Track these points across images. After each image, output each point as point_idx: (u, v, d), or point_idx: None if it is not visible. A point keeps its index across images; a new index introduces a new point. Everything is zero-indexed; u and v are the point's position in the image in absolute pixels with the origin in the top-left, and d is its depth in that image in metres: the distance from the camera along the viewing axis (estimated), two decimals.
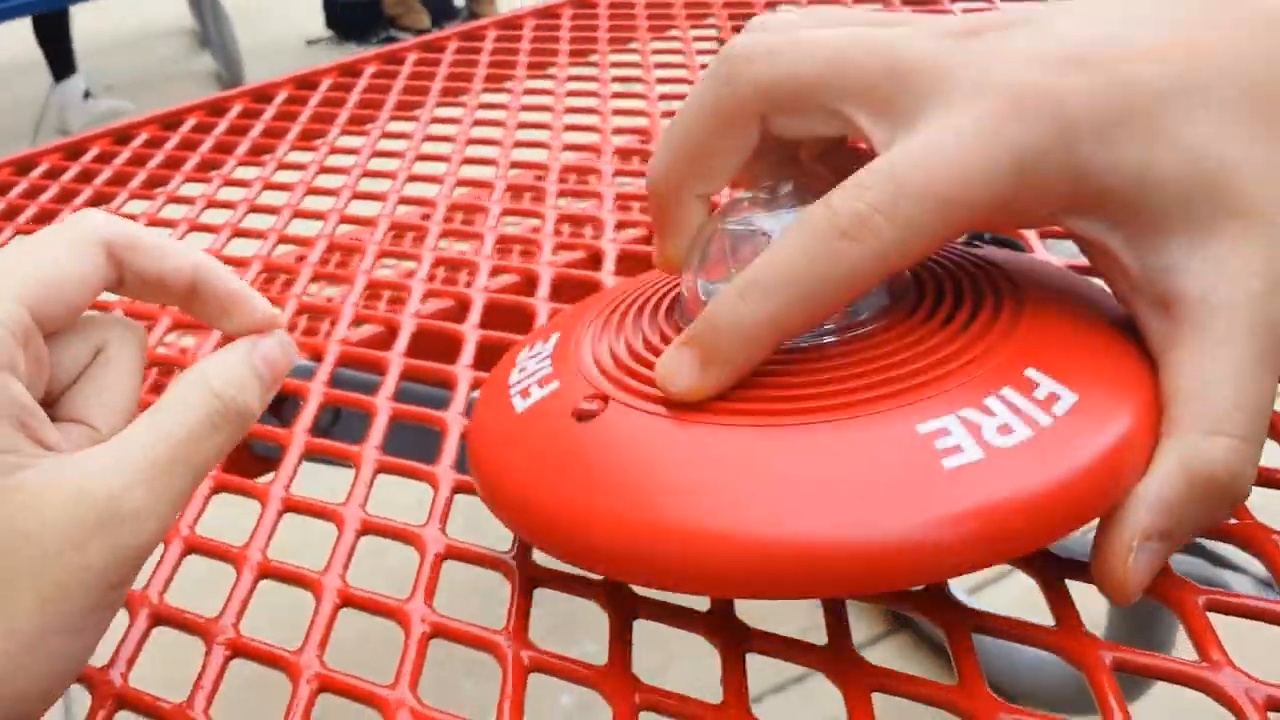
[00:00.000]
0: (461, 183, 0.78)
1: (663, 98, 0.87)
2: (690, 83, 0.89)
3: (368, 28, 4.38)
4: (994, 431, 0.34)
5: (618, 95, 0.91)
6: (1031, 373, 0.36)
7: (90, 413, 0.38)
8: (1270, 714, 0.34)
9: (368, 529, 0.47)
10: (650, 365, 0.40)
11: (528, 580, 0.43)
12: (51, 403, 0.38)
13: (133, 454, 0.34)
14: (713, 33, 1.01)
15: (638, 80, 0.92)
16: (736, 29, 0.92)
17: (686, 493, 0.35)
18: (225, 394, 0.37)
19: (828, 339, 0.39)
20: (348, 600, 0.43)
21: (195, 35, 4.67)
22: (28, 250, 0.37)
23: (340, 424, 0.59)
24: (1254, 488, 0.36)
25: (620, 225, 0.69)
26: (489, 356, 0.51)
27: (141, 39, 4.82)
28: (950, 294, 0.41)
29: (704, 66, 0.84)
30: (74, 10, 3.94)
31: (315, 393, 0.56)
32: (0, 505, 0.32)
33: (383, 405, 0.54)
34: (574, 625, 0.53)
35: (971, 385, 0.36)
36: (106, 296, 0.53)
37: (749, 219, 0.40)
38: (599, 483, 0.37)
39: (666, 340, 0.41)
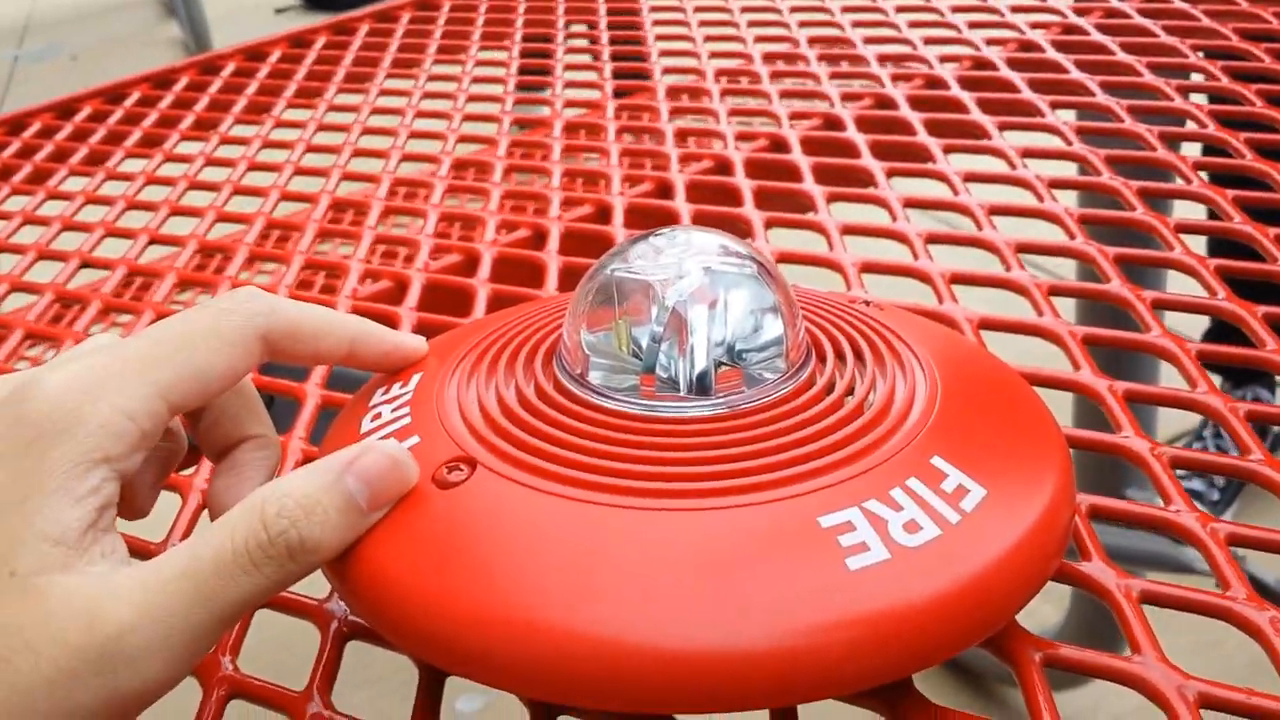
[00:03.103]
0: (407, 158, 0.77)
1: (618, 73, 0.85)
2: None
3: None
4: (900, 529, 0.32)
5: (570, 67, 0.89)
6: (939, 462, 0.34)
7: (247, 425, 0.38)
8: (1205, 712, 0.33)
9: None
10: (525, 425, 0.36)
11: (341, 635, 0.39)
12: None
13: (149, 586, 0.30)
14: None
15: (590, 51, 0.90)
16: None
17: (554, 586, 0.31)
18: (275, 526, 0.32)
19: (724, 409, 0.36)
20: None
21: (163, 3, 4.61)
22: (182, 338, 0.34)
23: (272, 411, 0.57)
24: None
25: (566, 203, 0.68)
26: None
27: (108, 9, 4.75)
28: (853, 364, 0.39)
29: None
30: None
31: None
32: (20, 605, 0.29)
33: (311, 392, 0.52)
34: None
35: (876, 473, 0.34)
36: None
37: (636, 267, 0.38)
38: (456, 564, 0.33)
39: (545, 397, 0.37)
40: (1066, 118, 0.69)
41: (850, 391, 0.38)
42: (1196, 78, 0.73)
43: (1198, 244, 0.54)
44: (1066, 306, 0.54)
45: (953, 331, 0.44)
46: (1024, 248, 0.55)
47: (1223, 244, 0.56)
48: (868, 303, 0.44)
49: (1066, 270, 0.67)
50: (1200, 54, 0.74)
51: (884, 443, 0.35)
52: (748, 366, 0.37)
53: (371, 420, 0.39)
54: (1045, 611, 1.29)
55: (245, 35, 1.06)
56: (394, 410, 0.39)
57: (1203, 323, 1.51)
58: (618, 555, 0.32)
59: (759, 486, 0.33)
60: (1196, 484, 1.52)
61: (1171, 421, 1.55)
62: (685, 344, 0.37)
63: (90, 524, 0.31)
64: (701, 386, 0.36)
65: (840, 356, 0.39)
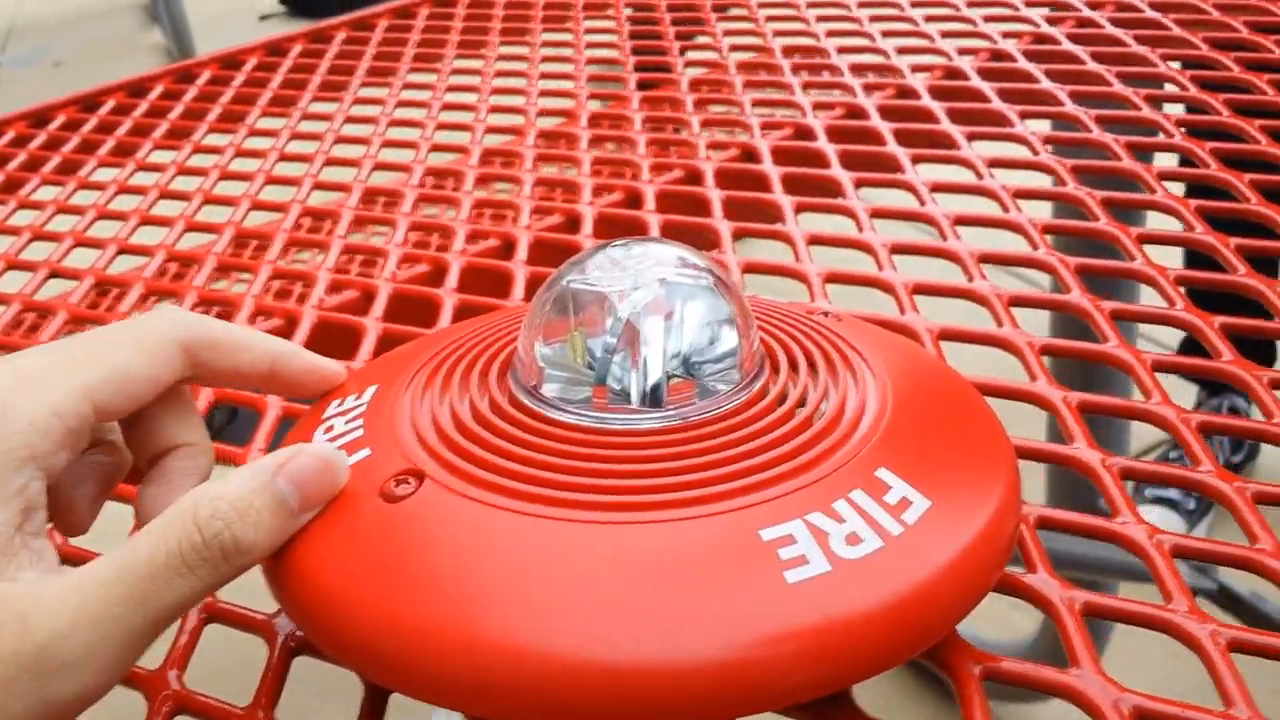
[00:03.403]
0: (379, 166, 0.77)
1: (591, 78, 0.86)
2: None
3: (319, 2, 4.31)
4: (841, 541, 0.32)
5: (546, 75, 0.89)
6: (884, 474, 0.34)
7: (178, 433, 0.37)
8: None
9: None
10: (476, 438, 0.36)
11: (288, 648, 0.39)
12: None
13: (83, 591, 0.30)
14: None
15: (568, 60, 0.91)
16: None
17: (494, 601, 0.31)
18: (210, 528, 0.32)
19: (676, 421, 0.36)
20: (213, 614, 0.42)
21: (146, 10, 4.60)
22: (103, 344, 0.35)
23: (237, 423, 0.57)
24: None
25: (537, 211, 0.68)
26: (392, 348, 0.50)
27: (92, 15, 4.74)
28: (806, 375, 0.39)
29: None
30: None
31: (205, 391, 0.54)
32: None
33: (272, 403, 0.52)
34: None
35: (821, 484, 0.34)
36: None
37: (592, 278, 0.38)
38: (399, 578, 0.33)
39: (498, 409, 0.37)
40: (1038, 127, 0.69)
41: (802, 403, 0.38)
42: (1168, 86, 0.73)
43: (1164, 253, 0.54)
44: (1038, 317, 0.54)
45: (909, 343, 0.45)
46: (987, 258, 0.56)
47: (1192, 252, 0.57)
48: (826, 314, 0.44)
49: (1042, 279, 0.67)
50: (1173, 64, 0.75)
51: (831, 455, 0.35)
52: (701, 378, 0.37)
53: (325, 432, 0.39)
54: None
55: (229, 41, 1.06)
56: (347, 422, 0.39)
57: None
58: (560, 569, 0.32)
59: (705, 499, 0.33)
60: (1173, 492, 1.52)
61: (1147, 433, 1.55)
62: (638, 356, 0.37)
63: (16, 527, 0.31)
64: (654, 398, 0.37)
65: (794, 368, 0.39)
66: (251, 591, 0.39)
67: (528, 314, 0.39)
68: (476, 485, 0.35)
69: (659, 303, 0.37)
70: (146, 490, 0.37)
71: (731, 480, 0.34)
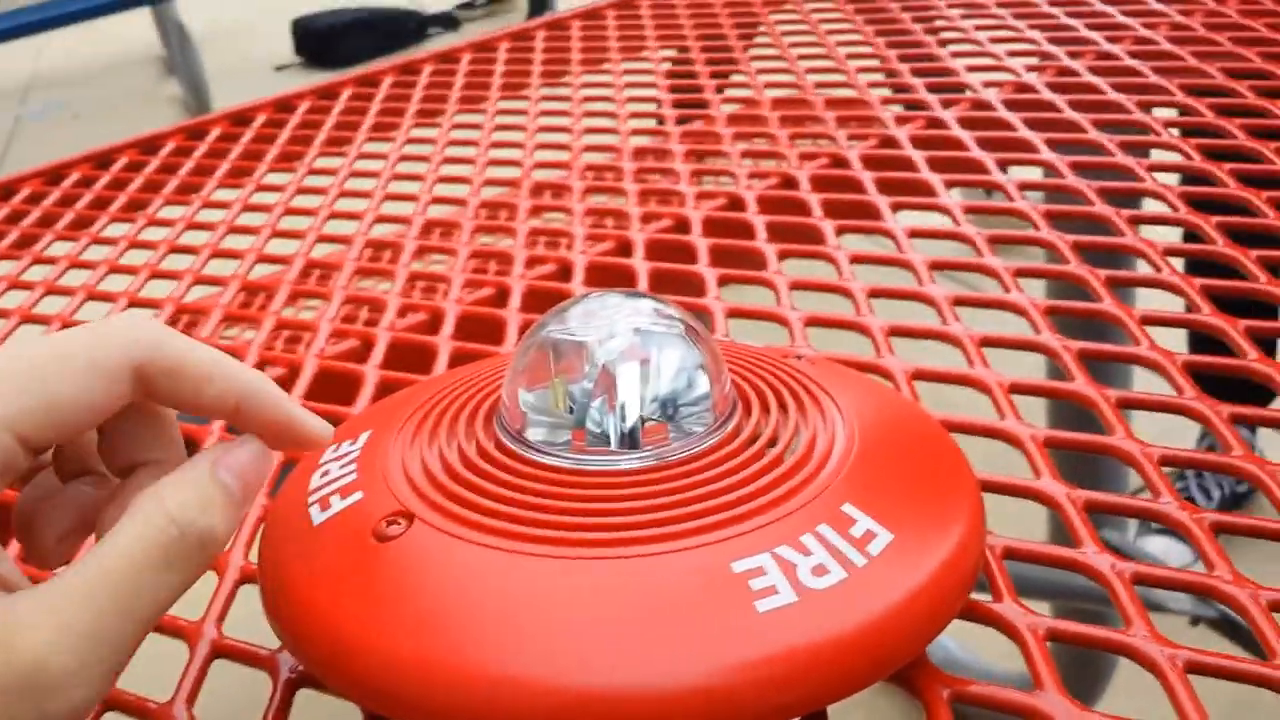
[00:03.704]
0: (380, 220, 0.79)
1: (588, 130, 0.88)
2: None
3: (336, 53, 4.39)
4: (808, 573, 0.34)
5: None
6: (849, 509, 0.36)
7: (149, 449, 0.35)
8: None
9: None
10: (463, 481, 0.38)
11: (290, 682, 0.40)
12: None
13: (68, 604, 0.30)
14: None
15: (566, 114, 0.93)
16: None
17: (482, 634, 0.33)
18: (183, 518, 0.32)
19: (652, 461, 0.38)
20: (219, 650, 0.44)
21: (163, 62, 4.68)
22: (39, 367, 0.32)
23: None
24: None
25: (530, 261, 0.70)
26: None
27: (110, 67, 4.82)
28: (778, 416, 0.41)
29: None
30: (46, 38, 3.93)
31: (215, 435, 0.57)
32: None
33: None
34: None
35: (790, 520, 0.36)
36: None
37: (571, 328, 0.40)
38: (394, 614, 0.35)
39: (484, 454, 0.39)
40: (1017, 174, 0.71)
41: (772, 442, 0.40)
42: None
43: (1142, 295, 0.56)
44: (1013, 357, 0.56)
45: (878, 384, 0.47)
46: (960, 301, 0.58)
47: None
48: (799, 357, 0.46)
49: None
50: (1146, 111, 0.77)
51: (799, 492, 0.37)
52: (676, 421, 0.39)
53: (320, 476, 0.41)
54: None
55: (245, 93, 1.09)
56: (342, 467, 0.41)
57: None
58: (544, 603, 0.34)
59: (679, 535, 0.35)
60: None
61: None
62: (615, 400, 0.39)
63: None
64: (631, 440, 0.39)
65: (766, 409, 0.41)
66: (251, 629, 0.42)
67: (511, 362, 0.41)
68: (463, 525, 0.37)
69: (634, 350, 0.39)
70: (107, 512, 0.35)
71: (705, 516, 0.36)
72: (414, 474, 0.39)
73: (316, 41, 4.53)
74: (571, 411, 0.39)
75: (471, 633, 0.34)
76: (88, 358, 0.33)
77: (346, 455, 0.42)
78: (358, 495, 0.39)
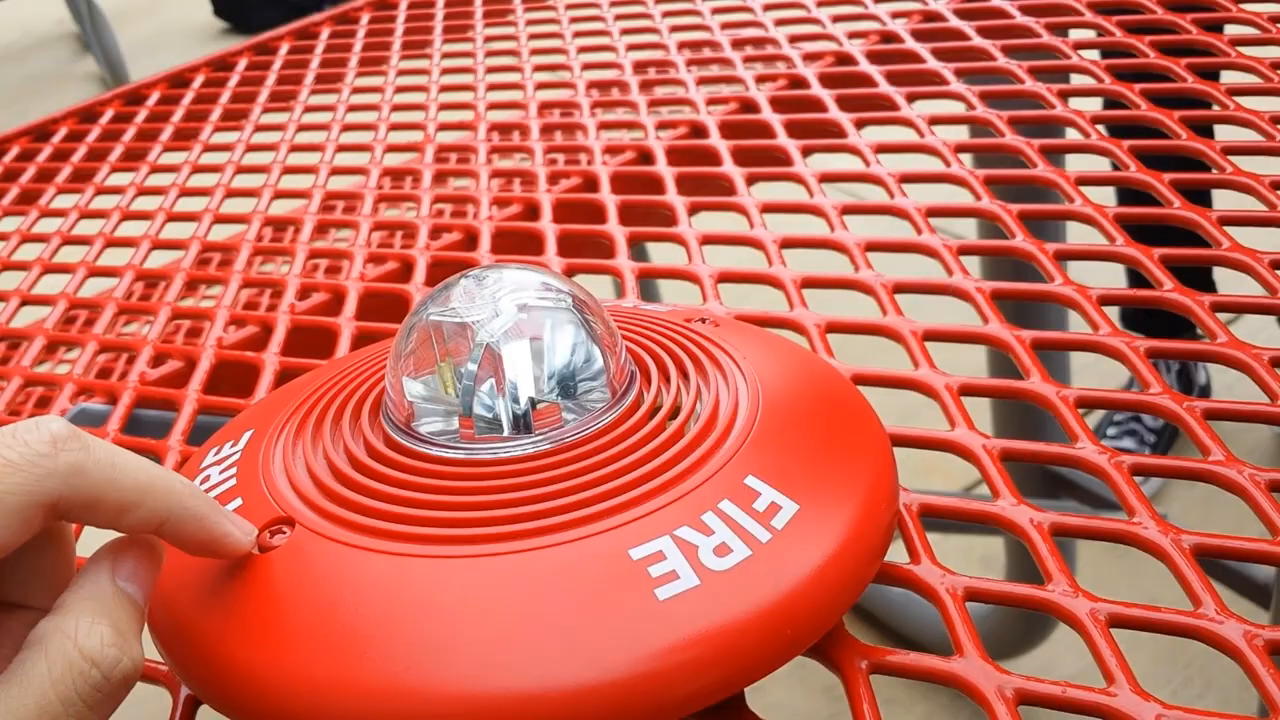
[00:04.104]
0: (279, 195, 0.76)
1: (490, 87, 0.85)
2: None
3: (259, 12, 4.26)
4: (710, 554, 0.33)
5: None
6: (752, 481, 0.35)
7: (30, 594, 0.32)
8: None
9: None
10: (349, 481, 0.36)
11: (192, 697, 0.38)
12: None
13: None
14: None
15: (469, 70, 0.90)
16: None
17: (366, 641, 0.32)
18: (107, 659, 0.29)
19: (546, 445, 0.36)
20: None
21: (77, 39, 4.56)
22: None
23: None
24: None
25: (435, 231, 0.68)
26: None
27: (22, 48, 4.69)
28: (677, 385, 0.39)
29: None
30: None
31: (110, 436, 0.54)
32: None
33: (173, 447, 0.52)
34: None
35: (690, 498, 0.34)
36: None
37: (454, 309, 0.38)
38: (278, 630, 0.33)
39: (370, 449, 0.37)
40: (925, 109, 0.69)
41: (674, 414, 0.38)
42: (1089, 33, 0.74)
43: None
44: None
45: (786, 341, 0.45)
46: (872, 246, 0.56)
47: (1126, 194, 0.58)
48: (703, 320, 0.44)
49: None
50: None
51: (699, 467, 0.35)
52: (570, 398, 0.37)
53: (201, 482, 0.39)
54: None
55: (163, 65, 1.05)
56: (222, 472, 0.39)
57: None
58: (436, 607, 0.32)
59: (574, 523, 0.34)
60: (1128, 443, 1.54)
61: None
62: (503, 383, 0.37)
63: None
64: (524, 424, 0.37)
65: (666, 379, 0.40)
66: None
67: (392, 349, 0.39)
68: (346, 528, 0.35)
69: (519, 327, 0.37)
70: None
71: (601, 501, 0.34)
72: (296, 476, 0.37)
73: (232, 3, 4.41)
74: (460, 397, 0.37)
75: (362, 644, 0.32)
76: (3, 497, 0.28)
77: (226, 459, 0.40)
78: (236, 503, 0.37)
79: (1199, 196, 0.55)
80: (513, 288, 0.38)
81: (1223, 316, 0.48)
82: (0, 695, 0.28)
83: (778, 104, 0.73)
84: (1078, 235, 0.56)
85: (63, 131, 0.95)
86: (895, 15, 0.83)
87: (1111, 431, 1.55)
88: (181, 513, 0.32)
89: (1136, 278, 0.51)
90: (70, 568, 0.33)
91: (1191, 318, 0.47)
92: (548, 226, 0.65)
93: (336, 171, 0.78)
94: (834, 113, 0.70)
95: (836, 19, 0.85)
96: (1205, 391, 1.63)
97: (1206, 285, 1.53)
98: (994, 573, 1.23)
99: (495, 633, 0.31)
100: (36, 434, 0.29)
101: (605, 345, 0.38)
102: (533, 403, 0.37)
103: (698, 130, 0.72)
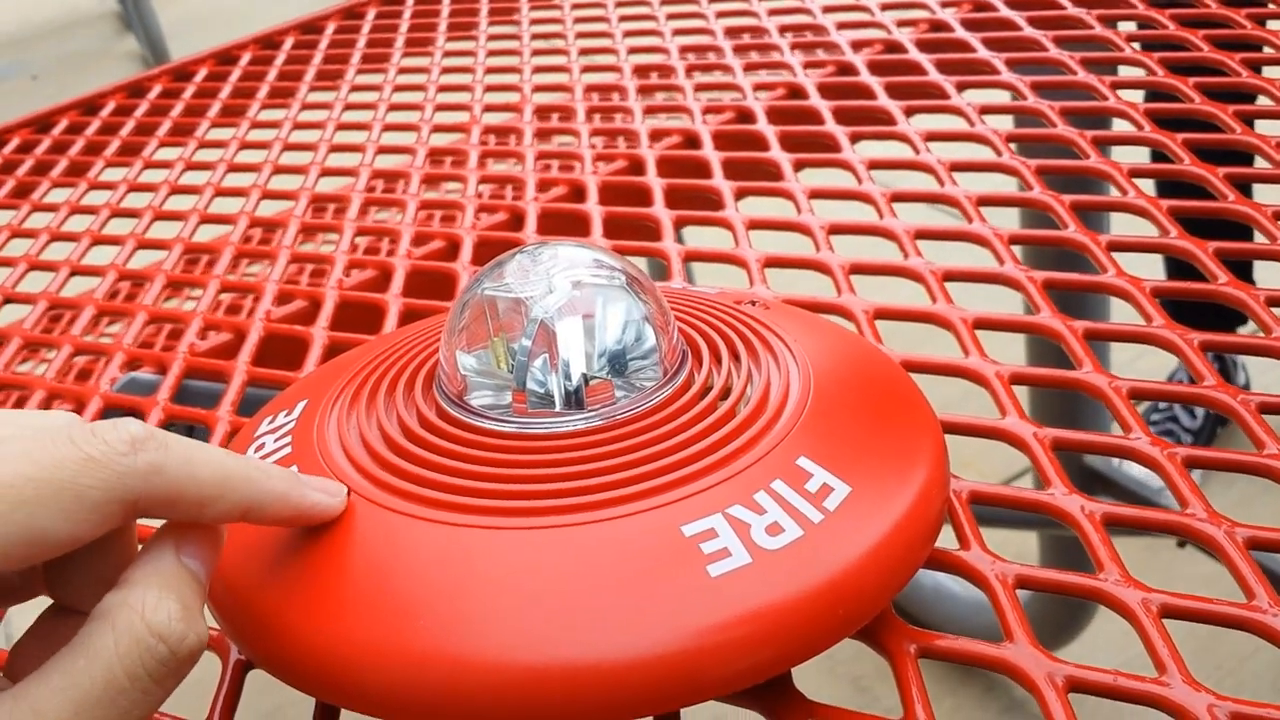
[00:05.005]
0: (325, 172, 0.77)
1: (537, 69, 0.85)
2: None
3: None
4: (762, 532, 0.33)
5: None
6: (804, 462, 0.35)
7: (86, 599, 0.31)
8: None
9: None
10: (403, 451, 0.36)
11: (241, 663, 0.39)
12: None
13: None
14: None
15: (514, 53, 0.90)
16: None
17: (419, 609, 0.32)
18: (174, 634, 0.29)
19: (598, 421, 0.36)
20: None
21: (119, 18, 4.59)
22: (21, 486, 0.28)
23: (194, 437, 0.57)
24: None
25: (480, 210, 0.68)
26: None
27: (65, 26, 4.72)
28: (728, 366, 0.39)
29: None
30: None
31: (159, 408, 0.55)
32: None
33: (222, 417, 0.53)
34: None
35: (742, 477, 0.34)
36: None
37: (508, 285, 0.38)
38: (335, 598, 0.33)
39: (423, 421, 0.37)
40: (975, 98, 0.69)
41: (725, 395, 0.38)
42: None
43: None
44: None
45: (836, 326, 0.45)
46: (921, 234, 0.56)
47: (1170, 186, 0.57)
48: (754, 302, 0.44)
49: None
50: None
51: (752, 447, 0.35)
52: (622, 376, 0.38)
53: (255, 451, 0.39)
54: None
55: (203, 45, 1.06)
56: (276, 440, 0.39)
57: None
58: (489, 578, 0.32)
59: (627, 499, 0.34)
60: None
61: None
62: (557, 359, 0.37)
63: None
64: (576, 400, 0.37)
65: (717, 360, 0.40)
66: None
67: (446, 323, 0.39)
68: (400, 497, 0.35)
69: (573, 304, 0.38)
70: (23, 644, 0.32)
71: (654, 478, 0.34)
72: (351, 446, 0.37)
73: None
74: (513, 372, 0.38)
75: (415, 612, 0.32)
76: (75, 491, 0.28)
77: (281, 428, 0.40)
78: (292, 469, 0.37)
79: (1246, 191, 0.55)
80: (567, 264, 0.39)
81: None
82: (65, 668, 0.28)
83: (826, 90, 0.73)
84: (1120, 227, 0.55)
85: (110, 105, 0.96)
86: (945, 4, 0.83)
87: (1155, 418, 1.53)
88: (262, 497, 0.32)
89: (1174, 270, 0.51)
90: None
91: (1246, 311, 0.47)
92: (594, 208, 0.65)
93: (383, 150, 0.78)
94: (883, 100, 0.70)
95: (885, 6, 0.84)
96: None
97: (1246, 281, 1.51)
98: None
99: (547, 604, 0.32)
100: (115, 434, 0.29)
101: (658, 324, 0.38)
102: (585, 379, 0.37)
103: (744, 115, 0.72)
